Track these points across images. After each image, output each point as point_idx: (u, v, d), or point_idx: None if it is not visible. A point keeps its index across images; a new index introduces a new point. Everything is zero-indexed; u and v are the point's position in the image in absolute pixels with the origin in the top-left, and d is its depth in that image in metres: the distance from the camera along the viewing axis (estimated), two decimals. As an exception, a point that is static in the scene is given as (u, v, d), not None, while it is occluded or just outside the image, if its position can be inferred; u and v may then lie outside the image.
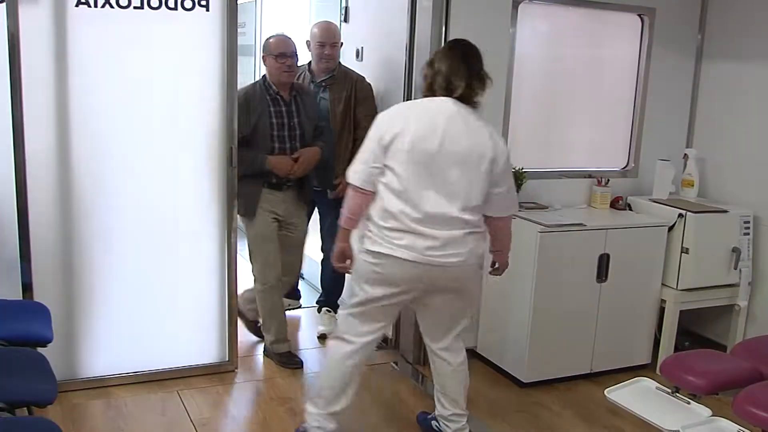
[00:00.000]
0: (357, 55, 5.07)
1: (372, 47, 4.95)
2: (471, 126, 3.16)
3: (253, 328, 4.80)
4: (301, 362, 4.48)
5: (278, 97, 4.32)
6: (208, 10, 3.92)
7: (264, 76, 4.39)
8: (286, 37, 4.38)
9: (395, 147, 3.11)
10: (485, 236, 3.33)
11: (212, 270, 4.21)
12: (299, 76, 4.69)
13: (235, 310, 4.30)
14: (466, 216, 3.16)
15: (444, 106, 3.17)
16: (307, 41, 4.71)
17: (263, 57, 4.37)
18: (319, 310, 5.14)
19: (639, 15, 4.85)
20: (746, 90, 4.72)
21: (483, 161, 3.13)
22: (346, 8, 5.20)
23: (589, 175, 4.81)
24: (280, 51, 4.26)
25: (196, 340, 4.26)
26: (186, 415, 3.84)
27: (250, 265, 4.47)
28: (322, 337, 4.85)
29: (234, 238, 4.20)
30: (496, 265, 3.60)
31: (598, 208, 4.74)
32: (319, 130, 4.51)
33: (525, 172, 4.44)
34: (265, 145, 4.27)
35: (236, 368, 4.34)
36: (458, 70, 3.18)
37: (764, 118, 4.62)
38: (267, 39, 4.40)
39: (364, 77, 4.71)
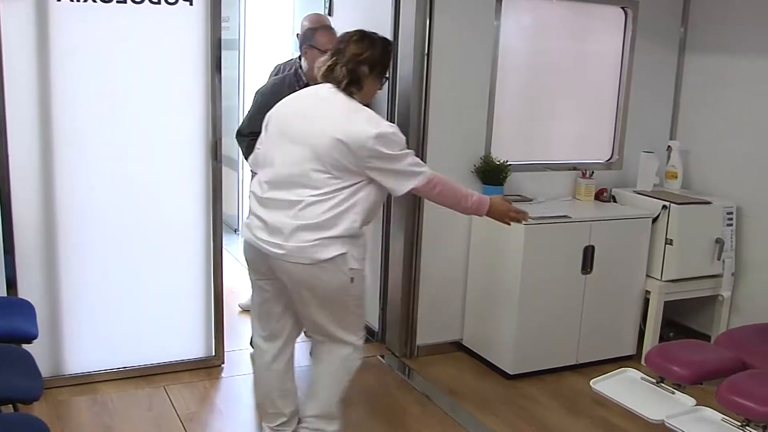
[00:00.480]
0: (341, 48, 5.05)
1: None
2: (333, 110, 3.03)
3: None
4: None
5: None
6: (191, 4, 3.91)
7: (296, 68, 4.16)
8: (331, 29, 4.17)
9: (266, 129, 3.19)
10: (342, 239, 3.01)
11: (197, 265, 4.20)
12: (282, 73, 4.45)
13: (221, 304, 4.28)
14: (308, 204, 2.98)
15: (316, 90, 3.14)
16: (305, 47, 4.22)
17: (304, 49, 4.10)
18: None
19: (622, 8, 4.86)
20: (729, 82, 4.75)
21: (336, 146, 2.93)
22: (331, 1, 5.18)
23: (573, 167, 4.83)
24: (326, 48, 3.74)
25: (181, 336, 4.25)
26: (173, 411, 3.83)
27: None
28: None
29: (219, 233, 4.19)
30: None
31: (582, 200, 4.76)
32: None
33: (509, 164, 4.45)
34: None
35: (223, 363, 4.33)
36: (337, 58, 3.08)
37: (746, 109, 4.65)
38: (310, 28, 4.16)
39: None
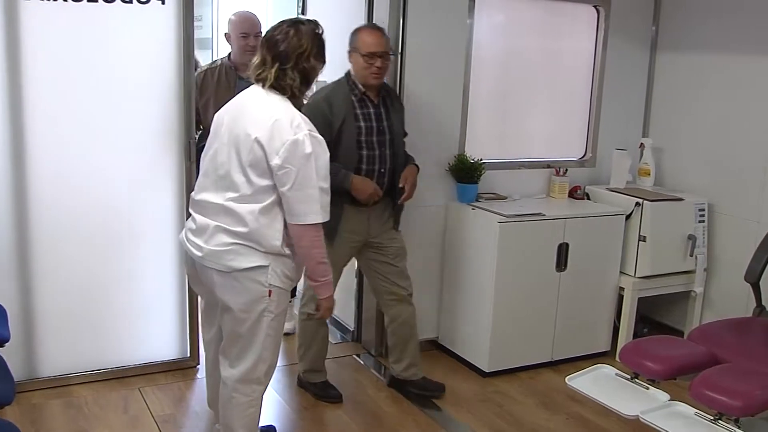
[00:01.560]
0: (315, 48, 5.04)
1: (330, 40, 4.92)
2: (259, 112, 2.89)
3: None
4: (340, 395, 4.04)
5: (365, 97, 3.78)
6: (163, 3, 3.88)
7: (348, 72, 3.82)
8: (379, 29, 3.81)
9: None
10: (265, 253, 2.90)
11: (170, 265, 4.18)
12: (215, 72, 4.47)
13: (195, 305, 4.25)
14: (228, 207, 2.89)
15: (250, 91, 3.01)
16: (226, 33, 4.50)
17: (349, 51, 3.78)
18: None
19: (595, 6, 4.89)
20: (699, 80, 4.80)
21: (254, 147, 2.83)
22: (304, 0, 5.17)
23: (547, 165, 4.85)
24: (369, 50, 3.66)
25: (155, 337, 4.23)
26: (148, 412, 3.81)
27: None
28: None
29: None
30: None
31: (556, 198, 4.78)
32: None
33: (484, 163, 4.46)
34: (351, 153, 3.71)
35: (198, 364, 4.29)
36: (263, 57, 2.95)
37: (717, 107, 4.70)
38: (356, 30, 3.81)
39: None
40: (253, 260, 2.88)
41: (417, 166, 3.98)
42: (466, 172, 4.42)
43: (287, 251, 2.93)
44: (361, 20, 4.36)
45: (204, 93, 4.34)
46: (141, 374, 4.16)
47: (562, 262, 4.36)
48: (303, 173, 2.81)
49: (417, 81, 4.33)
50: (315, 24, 3.00)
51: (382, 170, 3.80)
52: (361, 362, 4.56)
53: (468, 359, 4.49)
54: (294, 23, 2.94)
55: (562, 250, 4.35)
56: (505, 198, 4.58)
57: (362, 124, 3.74)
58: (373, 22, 4.30)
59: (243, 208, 2.86)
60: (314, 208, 2.86)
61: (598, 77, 4.95)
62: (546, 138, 5.00)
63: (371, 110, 3.77)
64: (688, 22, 4.88)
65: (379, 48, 3.67)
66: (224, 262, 2.89)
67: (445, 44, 4.40)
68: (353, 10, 4.46)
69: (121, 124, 3.93)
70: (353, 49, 3.73)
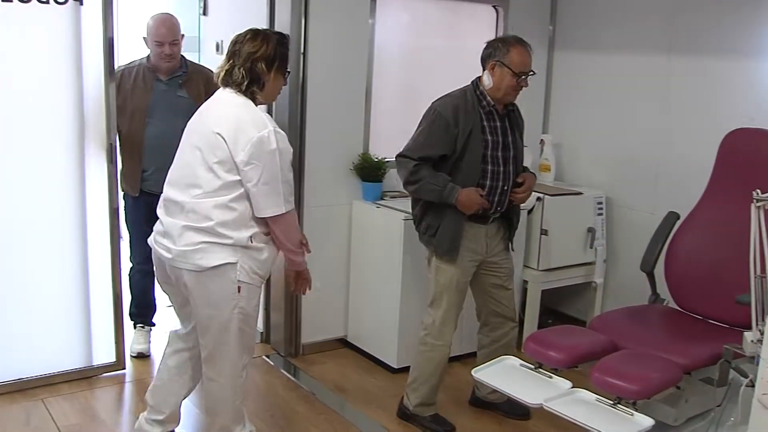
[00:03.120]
0: (217, 49, 5.01)
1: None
2: (224, 111, 3.01)
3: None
4: (453, 427, 3.89)
5: (493, 110, 3.62)
6: (82, 3, 3.80)
7: (476, 82, 3.65)
8: (529, 47, 3.60)
9: None
10: (234, 248, 2.96)
11: (72, 274, 4.08)
12: (132, 72, 4.24)
13: (121, 312, 4.19)
14: (193, 204, 2.96)
15: (216, 94, 3.12)
16: (144, 37, 4.23)
17: (492, 64, 3.56)
18: (134, 326, 4.59)
19: (494, 6, 4.99)
20: (595, 77, 4.95)
21: (218, 144, 2.92)
22: (206, 1, 5.12)
23: (451, 162, 4.90)
24: (521, 70, 3.51)
25: (59, 346, 4.12)
26: (52, 423, 3.72)
27: (429, 316, 3.82)
28: (139, 357, 4.49)
29: (117, 238, 4.11)
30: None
31: (460, 195, 4.83)
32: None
33: (388, 161, 4.50)
34: (475, 168, 3.55)
35: (103, 373, 4.22)
36: (233, 60, 3.04)
37: (612, 103, 4.85)
38: (503, 41, 3.62)
39: (212, 70, 4.41)
40: (221, 257, 2.94)
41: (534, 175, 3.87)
42: (370, 171, 4.46)
43: (255, 244, 2.99)
44: (263, 21, 4.34)
45: (119, 93, 4.13)
46: (44, 385, 4.05)
47: (467, 258, 4.42)
48: (269, 169, 2.91)
49: (320, 81, 4.34)
50: (281, 36, 3.11)
51: (505, 188, 3.65)
52: (271, 363, 4.54)
53: (377, 356, 4.52)
54: (259, 30, 3.07)
55: (467, 246, 4.41)
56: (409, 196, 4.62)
57: (489, 137, 3.58)
58: (275, 24, 4.31)
59: (208, 203, 2.93)
60: (278, 201, 2.96)
61: (498, 75, 5.04)
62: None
63: (497, 123, 3.62)
64: (583, 23, 5.03)
65: (525, 68, 3.54)
66: (193, 261, 2.95)
67: (348, 44, 4.42)
68: (254, 11, 4.43)
69: (36, 126, 3.84)
70: (499, 63, 3.53)
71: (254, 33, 3.04)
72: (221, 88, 3.07)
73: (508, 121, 3.67)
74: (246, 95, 3.01)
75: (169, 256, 3.01)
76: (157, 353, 4.49)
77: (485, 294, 3.85)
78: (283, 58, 3.07)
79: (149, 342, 4.57)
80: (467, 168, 3.55)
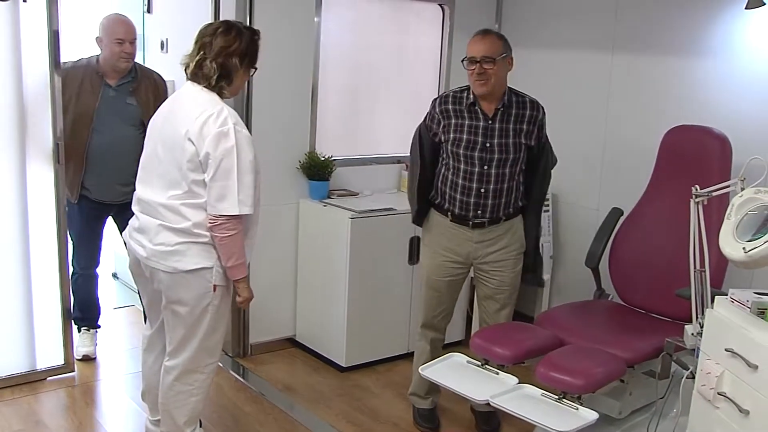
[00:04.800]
0: (162, 47, 4.95)
1: (177, 39, 4.85)
2: (190, 107, 2.96)
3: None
4: (435, 427, 3.88)
5: (478, 109, 3.52)
6: (25, 1, 3.72)
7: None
8: (485, 34, 3.53)
9: None
10: (209, 250, 2.97)
11: (13, 275, 4.00)
12: (79, 72, 4.05)
13: (67, 315, 4.11)
14: (170, 205, 2.95)
15: (182, 89, 3.08)
16: (97, 37, 4.06)
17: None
18: (79, 329, 4.45)
19: (440, 5, 5.01)
20: (540, 74, 4.96)
21: (186, 144, 2.90)
22: (149, -1, 5.06)
23: (398, 160, 4.92)
24: (469, 55, 3.46)
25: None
26: (-8, 429, 3.65)
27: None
28: (85, 359, 4.39)
29: (64, 238, 4.03)
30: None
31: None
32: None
33: (335, 160, 4.49)
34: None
35: (49, 376, 4.14)
36: (204, 52, 2.98)
37: (557, 101, 4.87)
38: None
39: (160, 75, 4.32)
40: (197, 261, 2.95)
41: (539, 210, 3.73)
42: (316, 170, 4.45)
43: None
44: (208, 18, 4.29)
45: (64, 92, 3.95)
46: (-17, 391, 3.96)
47: (414, 256, 4.43)
48: (224, 164, 2.86)
49: (265, 80, 4.28)
50: (253, 31, 3.08)
51: (482, 190, 3.52)
52: (219, 364, 4.47)
53: (326, 355, 4.51)
54: (232, 24, 3.02)
55: (414, 244, 4.42)
56: (357, 194, 4.63)
57: (464, 136, 3.51)
58: (220, 19, 4.24)
59: (185, 204, 2.93)
60: (231, 200, 2.88)
61: (445, 73, 5.08)
62: (396, 134, 5.05)
63: (480, 123, 3.50)
64: (529, 21, 5.06)
65: (478, 53, 3.42)
66: (170, 263, 2.95)
67: (293, 43, 4.40)
68: (199, 9, 4.39)
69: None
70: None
71: (227, 27, 2.99)
72: (189, 83, 3.01)
73: (503, 123, 3.52)
74: (214, 90, 2.97)
75: (144, 254, 3.01)
76: (103, 356, 4.46)
77: (479, 302, 3.83)
78: (253, 54, 3.06)
79: (95, 344, 4.50)
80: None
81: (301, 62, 4.44)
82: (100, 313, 4.56)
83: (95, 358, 4.44)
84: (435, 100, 3.64)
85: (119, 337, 4.83)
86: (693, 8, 4.11)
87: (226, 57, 2.95)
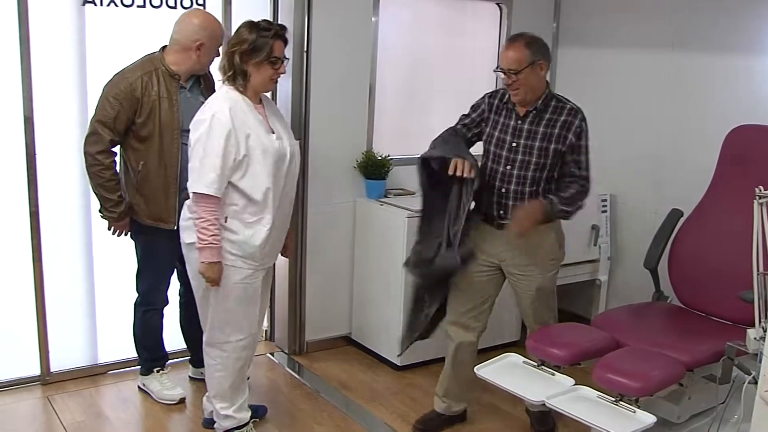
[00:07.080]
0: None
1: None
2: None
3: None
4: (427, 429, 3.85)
5: (513, 109, 3.51)
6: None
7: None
8: (516, 40, 3.43)
9: None
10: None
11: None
12: (153, 79, 3.52)
13: (42, 324, 4.00)
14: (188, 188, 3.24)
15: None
16: (197, 41, 3.52)
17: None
18: (147, 371, 4.06)
19: (497, 4, 4.99)
20: (598, 73, 4.94)
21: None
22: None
23: (454, 160, 4.90)
24: (501, 66, 3.42)
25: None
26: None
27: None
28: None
29: (37, 232, 3.91)
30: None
31: (464, 192, 4.83)
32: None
33: (391, 159, 4.50)
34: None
35: (108, 371, 4.24)
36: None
37: (616, 100, 4.84)
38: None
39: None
40: (192, 236, 3.20)
41: (552, 203, 3.45)
42: (373, 169, 4.46)
43: (227, 224, 3.19)
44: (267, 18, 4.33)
45: (142, 106, 3.51)
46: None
47: (471, 255, 4.41)
48: (196, 147, 3.13)
49: (323, 80, 4.34)
50: (252, 24, 3.18)
51: (503, 191, 3.51)
52: (275, 360, 4.55)
53: (381, 354, 4.53)
54: (244, 22, 3.21)
55: (471, 243, 4.40)
56: (413, 193, 4.62)
57: (496, 133, 3.54)
58: (278, 20, 4.29)
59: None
60: (194, 178, 3.15)
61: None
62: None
63: (511, 122, 3.50)
64: (587, 20, 5.02)
65: (506, 63, 3.37)
66: (183, 237, 3.31)
67: (351, 43, 4.42)
68: (259, 10, 4.40)
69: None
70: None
71: (240, 26, 3.21)
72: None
73: (533, 125, 3.45)
74: (237, 88, 3.19)
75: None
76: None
77: (517, 302, 3.77)
78: (258, 48, 3.13)
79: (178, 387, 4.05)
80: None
81: (358, 62, 4.46)
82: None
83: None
84: (487, 93, 3.67)
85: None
86: (758, 6, 4.03)
87: (230, 55, 3.16)
